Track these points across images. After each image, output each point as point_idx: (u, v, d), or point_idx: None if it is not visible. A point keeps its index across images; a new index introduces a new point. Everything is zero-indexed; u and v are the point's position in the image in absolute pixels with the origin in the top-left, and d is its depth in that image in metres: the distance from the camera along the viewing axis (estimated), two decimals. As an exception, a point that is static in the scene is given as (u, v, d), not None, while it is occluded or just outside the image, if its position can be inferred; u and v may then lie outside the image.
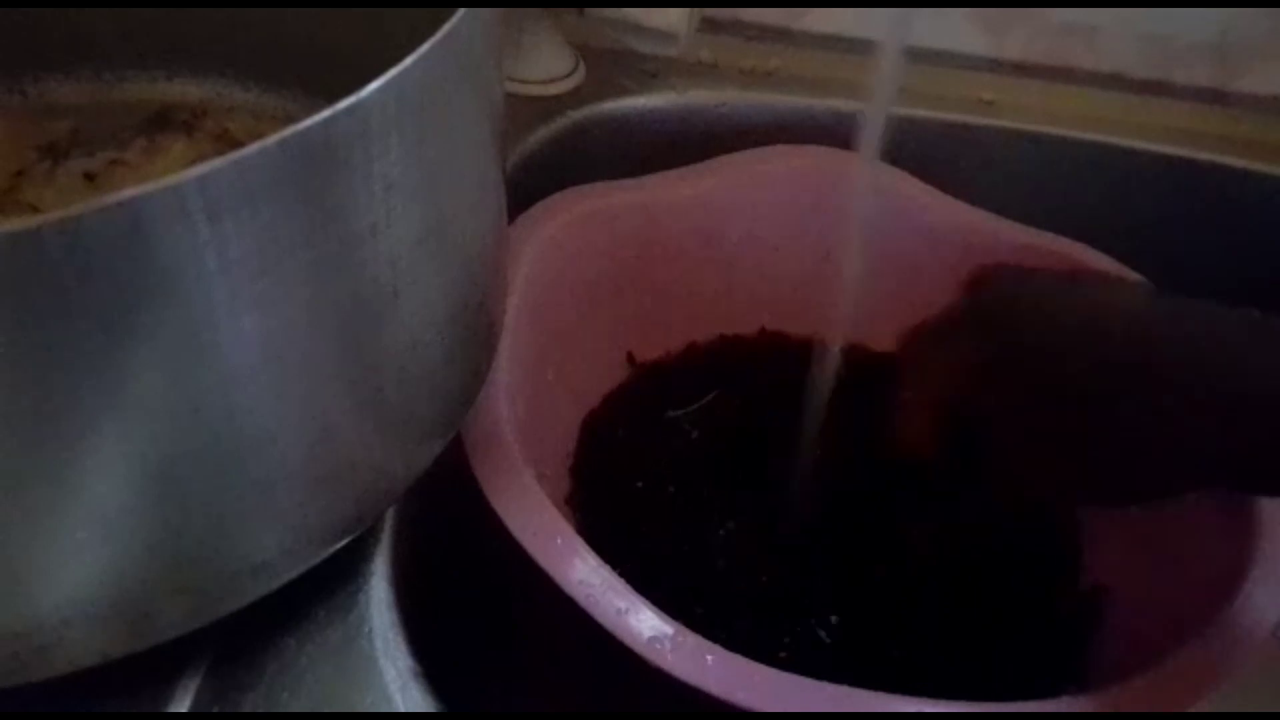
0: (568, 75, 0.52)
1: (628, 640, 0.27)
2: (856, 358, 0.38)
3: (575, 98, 0.52)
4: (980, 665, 0.36)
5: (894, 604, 0.38)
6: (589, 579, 0.28)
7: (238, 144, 0.17)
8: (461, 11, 0.21)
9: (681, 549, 0.39)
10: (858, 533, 0.39)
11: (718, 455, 0.43)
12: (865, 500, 0.40)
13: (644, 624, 0.27)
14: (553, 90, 0.51)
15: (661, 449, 0.43)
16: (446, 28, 0.21)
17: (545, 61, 0.52)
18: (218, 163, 0.17)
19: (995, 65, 0.58)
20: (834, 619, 0.37)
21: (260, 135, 0.18)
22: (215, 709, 0.26)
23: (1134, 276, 0.43)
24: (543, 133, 0.49)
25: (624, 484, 0.41)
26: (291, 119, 0.18)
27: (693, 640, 0.27)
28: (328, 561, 0.25)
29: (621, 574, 0.29)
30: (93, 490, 0.19)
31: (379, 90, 0.19)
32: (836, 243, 0.37)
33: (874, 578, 0.38)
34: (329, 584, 0.29)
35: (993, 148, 0.54)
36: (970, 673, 0.36)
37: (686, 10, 0.50)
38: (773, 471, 0.41)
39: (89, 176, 0.33)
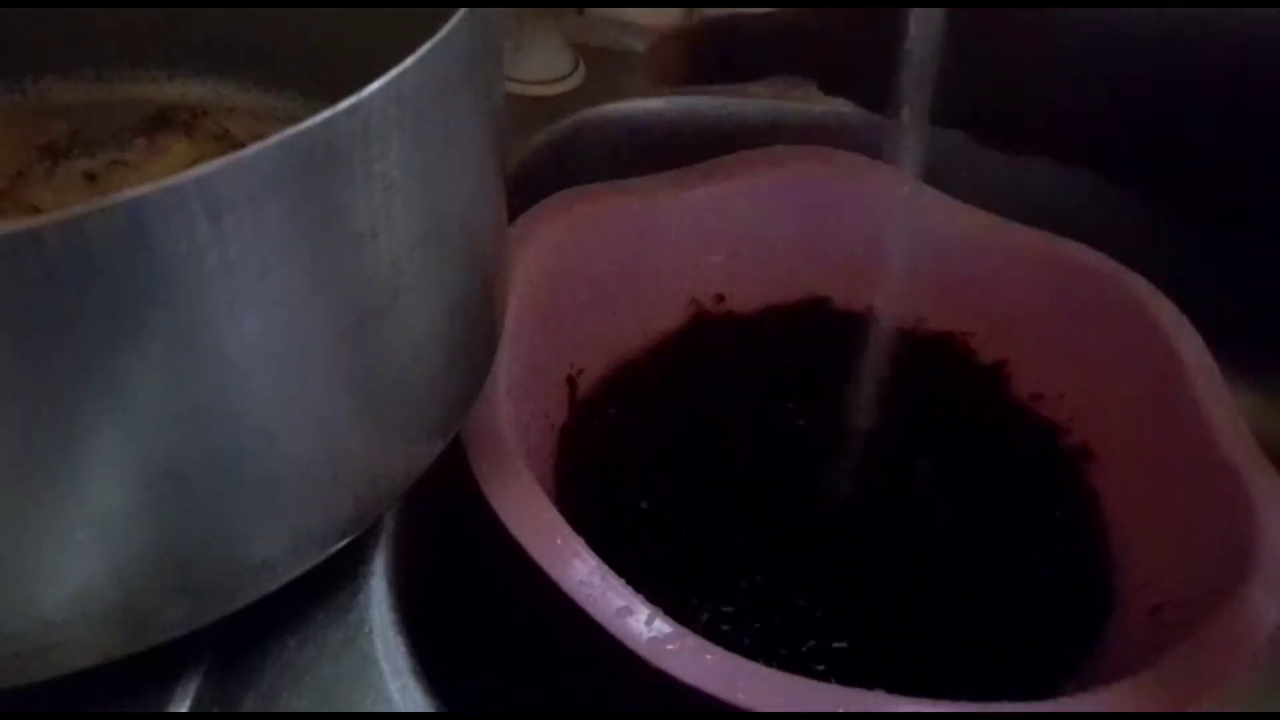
0: (568, 75, 0.52)
1: (628, 640, 0.27)
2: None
3: (575, 98, 0.52)
4: (980, 665, 0.36)
5: (897, 604, 0.38)
6: (589, 579, 0.28)
7: (238, 144, 0.17)
8: (461, 11, 0.21)
9: (682, 547, 0.39)
10: (858, 533, 0.39)
11: (718, 452, 0.43)
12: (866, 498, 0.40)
13: (644, 624, 0.27)
14: (553, 90, 0.52)
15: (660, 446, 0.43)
16: (447, 28, 0.21)
17: (545, 61, 0.52)
18: (218, 163, 0.17)
19: (995, 65, 0.58)
20: (834, 619, 0.37)
21: (260, 135, 0.18)
22: (215, 709, 0.26)
23: (1134, 277, 0.43)
24: (543, 133, 0.49)
25: (624, 481, 0.41)
26: (292, 119, 0.18)
27: (693, 640, 0.27)
28: (328, 561, 0.25)
29: (624, 574, 0.29)
30: (92, 490, 0.19)
31: (379, 91, 0.19)
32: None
33: (877, 577, 0.38)
34: (329, 584, 0.29)
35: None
36: (970, 672, 0.36)
37: (686, 10, 0.50)
38: (776, 469, 0.41)
39: (89, 176, 0.33)
